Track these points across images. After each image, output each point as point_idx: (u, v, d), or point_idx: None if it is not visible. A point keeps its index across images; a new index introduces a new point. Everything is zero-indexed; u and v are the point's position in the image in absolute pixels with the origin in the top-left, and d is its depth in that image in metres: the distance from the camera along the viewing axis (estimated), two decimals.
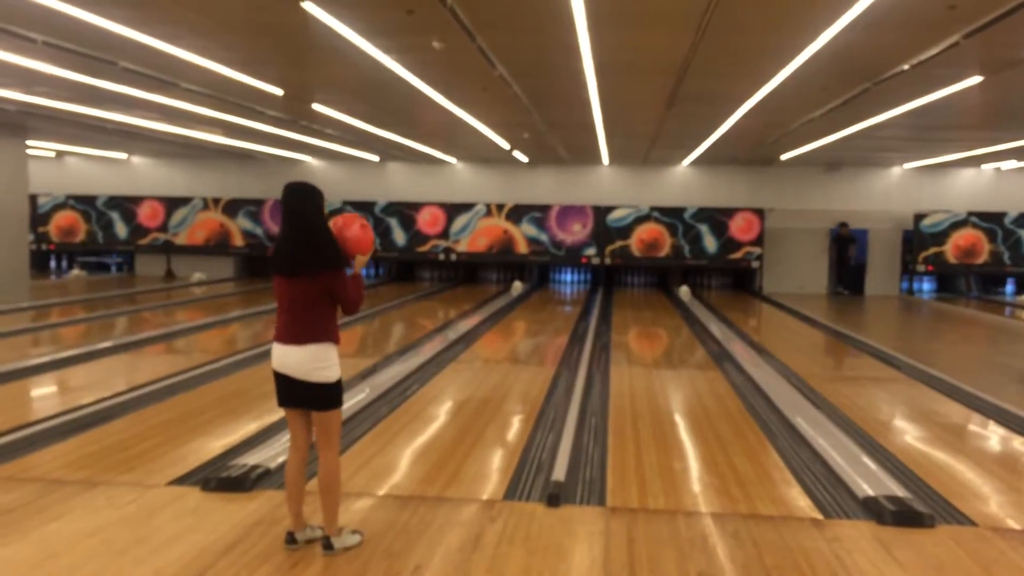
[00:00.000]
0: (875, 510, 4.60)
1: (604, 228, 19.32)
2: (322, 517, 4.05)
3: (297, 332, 3.94)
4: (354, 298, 4.05)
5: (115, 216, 20.56)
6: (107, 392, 7.30)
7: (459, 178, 20.23)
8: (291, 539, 4.03)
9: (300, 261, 3.94)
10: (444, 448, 5.79)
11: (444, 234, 19.63)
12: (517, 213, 19.50)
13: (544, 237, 19.46)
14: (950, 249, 18.71)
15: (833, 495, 4.91)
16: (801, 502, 4.81)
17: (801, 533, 4.32)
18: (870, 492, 4.85)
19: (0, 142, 14.07)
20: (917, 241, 18.73)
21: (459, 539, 4.16)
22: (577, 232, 19.42)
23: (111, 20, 7.15)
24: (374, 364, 8.85)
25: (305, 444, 4.10)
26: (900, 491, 4.89)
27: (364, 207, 19.74)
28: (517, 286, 18.41)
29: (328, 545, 3.96)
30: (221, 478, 4.88)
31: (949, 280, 19.75)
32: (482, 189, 20.05)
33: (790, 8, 6.47)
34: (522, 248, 19.53)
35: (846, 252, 19.08)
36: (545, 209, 19.47)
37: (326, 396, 3.98)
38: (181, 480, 4.98)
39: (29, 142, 15.50)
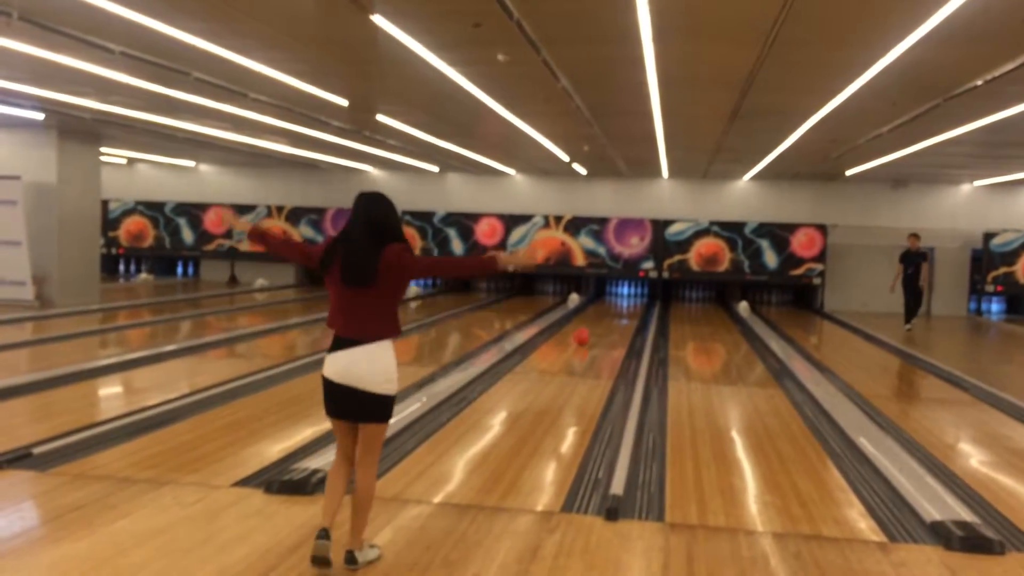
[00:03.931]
0: (943, 535, 4.48)
1: (662, 242, 19.20)
2: (350, 530, 3.90)
3: (362, 327, 3.85)
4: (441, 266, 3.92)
5: (182, 222, 21.07)
6: (172, 394, 7.47)
7: (517, 190, 20.31)
8: (324, 535, 3.75)
9: (373, 269, 3.84)
10: (501, 459, 5.80)
11: (502, 245, 19.70)
12: (575, 225, 19.49)
13: (602, 250, 19.41)
14: (1020, 269, 18.18)
15: (899, 518, 4.80)
16: (865, 524, 4.70)
17: (866, 556, 4.23)
18: (937, 516, 4.73)
19: (75, 149, 14.52)
20: (986, 260, 18.23)
21: (517, 550, 4.16)
22: (635, 245, 19.33)
23: (187, 32, 7.35)
24: (431, 373, 8.91)
25: (353, 456, 3.98)
26: (968, 516, 4.76)
27: (423, 217, 19.93)
28: (574, 298, 18.37)
29: (352, 559, 3.83)
30: (283, 481, 4.96)
31: (1020, 301, 19.13)
32: (540, 201, 20.09)
33: (861, 22, 6.38)
34: (579, 260, 19.51)
35: (916, 271, 14.93)
36: (603, 222, 19.42)
37: (385, 409, 3.90)
38: (245, 482, 5.07)
39: (102, 149, 15.96)
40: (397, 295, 3.98)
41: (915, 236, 15.09)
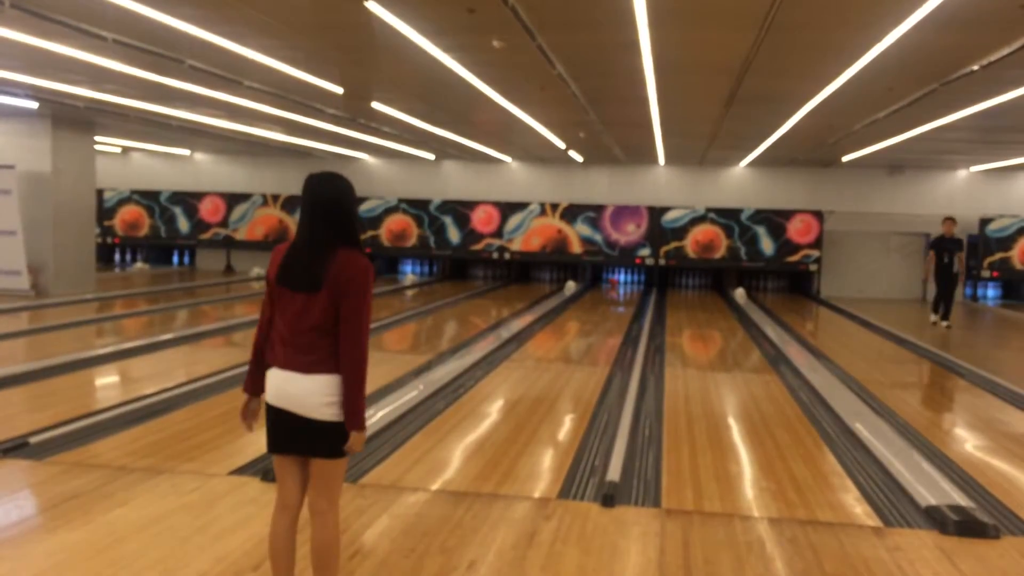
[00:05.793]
0: (938, 519, 4.49)
1: (659, 229, 19.19)
2: None
3: (304, 360, 3.03)
4: (363, 339, 3.04)
5: (178, 211, 21.03)
6: (169, 383, 7.47)
7: (514, 177, 20.27)
8: None
9: (319, 269, 3.02)
10: (498, 446, 5.81)
11: (498, 233, 19.69)
12: (571, 213, 19.47)
13: (598, 237, 19.40)
14: (1016, 255, 18.21)
15: (894, 503, 4.81)
16: (860, 509, 4.72)
17: (861, 541, 4.24)
18: (932, 501, 4.74)
19: (69, 138, 14.46)
20: (982, 246, 18.25)
21: (513, 536, 4.17)
22: (631, 232, 19.32)
23: (180, 19, 7.30)
24: (428, 361, 8.91)
25: (299, 502, 3.18)
26: (963, 500, 4.78)
27: (419, 205, 19.91)
28: (570, 286, 18.38)
29: None
30: None
31: (1015, 286, 19.17)
32: (536, 188, 20.06)
33: (858, 6, 6.35)
34: (576, 248, 19.49)
35: (951, 260, 13.33)
36: (599, 209, 19.40)
37: (336, 438, 3.05)
38: (241, 470, 5.07)
39: (97, 138, 15.90)
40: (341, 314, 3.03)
41: (951, 220, 13.53)
